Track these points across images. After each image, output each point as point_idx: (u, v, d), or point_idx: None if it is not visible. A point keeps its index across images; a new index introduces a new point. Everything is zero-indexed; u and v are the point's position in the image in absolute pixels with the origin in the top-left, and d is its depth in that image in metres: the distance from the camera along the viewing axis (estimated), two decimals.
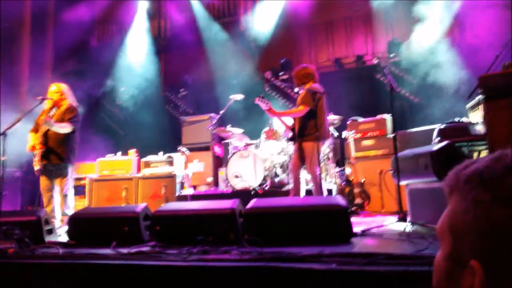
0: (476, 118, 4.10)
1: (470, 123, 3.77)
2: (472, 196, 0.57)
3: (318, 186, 4.46)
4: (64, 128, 4.74)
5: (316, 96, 4.48)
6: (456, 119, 3.99)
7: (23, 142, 4.86)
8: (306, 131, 4.54)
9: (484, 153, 3.74)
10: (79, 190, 6.82)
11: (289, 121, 5.01)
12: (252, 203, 3.02)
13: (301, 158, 4.59)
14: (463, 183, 0.60)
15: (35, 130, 4.83)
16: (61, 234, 3.83)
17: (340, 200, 2.87)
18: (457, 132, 3.69)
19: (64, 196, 4.73)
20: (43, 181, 4.76)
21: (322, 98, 4.55)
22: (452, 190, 0.62)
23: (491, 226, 0.54)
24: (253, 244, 2.51)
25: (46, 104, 4.89)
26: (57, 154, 4.72)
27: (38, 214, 3.38)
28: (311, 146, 4.48)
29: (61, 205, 4.72)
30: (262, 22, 8.95)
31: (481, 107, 3.75)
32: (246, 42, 9.09)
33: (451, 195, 0.62)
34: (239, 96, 6.34)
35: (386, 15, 7.68)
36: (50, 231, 3.45)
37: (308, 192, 5.13)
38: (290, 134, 4.83)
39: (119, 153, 7.33)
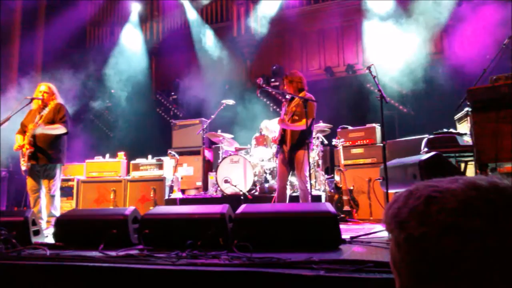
0: (464, 129, 4.18)
1: (458, 134, 3.84)
2: (394, 236, 0.64)
3: (306, 192, 4.49)
4: (58, 129, 4.70)
5: (303, 104, 4.50)
6: (444, 130, 4.06)
7: (9, 142, 4.80)
8: (300, 140, 4.54)
9: (471, 164, 3.81)
10: (67, 191, 6.75)
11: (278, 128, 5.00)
12: (242, 208, 3.02)
13: (289, 166, 4.61)
14: (387, 225, 0.66)
15: (22, 131, 4.77)
16: (48, 235, 3.79)
17: (330, 207, 2.89)
18: (445, 143, 3.75)
19: (51, 197, 4.68)
20: (30, 181, 4.70)
21: (305, 106, 4.58)
22: (387, 229, 0.68)
23: (411, 264, 0.61)
24: (243, 249, 2.51)
25: (34, 105, 4.83)
26: (46, 155, 4.67)
27: (25, 214, 3.34)
28: (303, 153, 4.51)
29: (48, 206, 4.67)
30: (255, 28, 9.00)
31: (468, 118, 3.82)
32: (238, 47, 9.13)
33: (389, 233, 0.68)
34: (231, 101, 6.36)
35: (377, 25, 7.77)
36: (37, 232, 3.41)
37: (293, 199, 5.15)
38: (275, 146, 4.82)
39: (108, 155, 7.27)
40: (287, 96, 4.85)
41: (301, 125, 4.53)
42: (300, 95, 4.60)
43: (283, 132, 4.70)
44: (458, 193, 0.60)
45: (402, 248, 0.62)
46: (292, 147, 4.58)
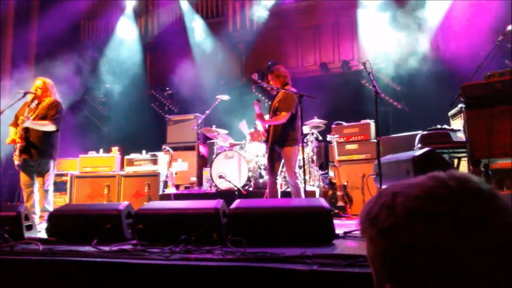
0: (458, 125, 4.20)
1: (451, 130, 3.85)
2: (367, 234, 0.69)
3: (298, 188, 4.51)
4: (47, 126, 4.67)
5: (298, 99, 4.50)
6: (438, 126, 4.08)
7: (3, 136, 4.77)
8: (286, 136, 4.54)
9: (464, 160, 3.83)
10: (60, 186, 6.71)
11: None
12: (236, 203, 3.02)
13: (277, 163, 4.62)
14: (361, 224, 0.71)
15: (15, 123, 4.75)
16: (41, 230, 3.77)
17: (323, 203, 2.90)
18: (439, 139, 3.77)
19: (45, 192, 4.65)
20: (23, 176, 4.67)
21: (299, 101, 4.58)
22: (362, 229, 0.72)
23: (383, 255, 0.65)
24: (237, 244, 2.51)
25: (29, 98, 4.81)
26: (38, 149, 4.64)
27: (17, 209, 3.32)
28: (291, 150, 4.51)
29: (41, 201, 4.65)
30: (250, 23, 8.96)
31: (462, 115, 3.84)
32: (233, 43, 9.10)
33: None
34: (225, 97, 6.35)
35: (373, 22, 7.77)
36: (30, 227, 3.39)
37: (286, 195, 5.17)
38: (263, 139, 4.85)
39: (101, 150, 7.24)
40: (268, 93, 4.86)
41: (279, 119, 4.53)
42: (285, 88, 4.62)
43: (268, 128, 4.72)
44: (420, 184, 0.65)
45: (375, 242, 0.66)
46: (274, 142, 4.58)
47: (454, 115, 4.56)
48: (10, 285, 2.45)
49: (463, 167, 4.06)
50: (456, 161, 4.02)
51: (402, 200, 0.64)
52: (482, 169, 3.29)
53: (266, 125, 4.88)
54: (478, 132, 3.23)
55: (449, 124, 4.51)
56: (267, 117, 4.98)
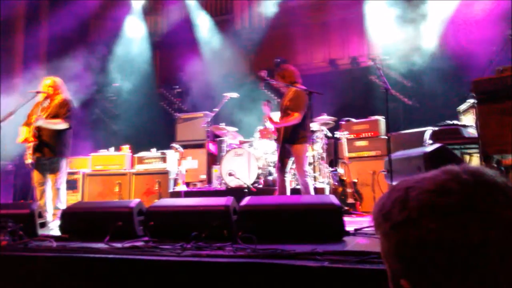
0: (467, 121, 4.15)
1: (462, 126, 3.82)
2: (381, 230, 0.69)
3: (307, 187, 4.51)
4: (59, 125, 4.72)
5: (308, 98, 4.49)
6: (448, 122, 4.04)
7: (16, 135, 4.83)
8: (296, 134, 4.55)
9: (476, 156, 3.79)
10: (72, 184, 6.78)
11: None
12: (246, 200, 3.04)
13: (287, 160, 4.63)
14: (374, 220, 0.71)
15: (28, 123, 4.80)
16: (54, 228, 3.82)
17: (334, 199, 2.90)
18: (449, 135, 3.74)
19: (57, 190, 4.71)
20: (36, 174, 4.73)
21: (309, 98, 4.57)
22: (375, 226, 0.72)
23: (396, 250, 0.65)
24: (247, 241, 2.52)
25: (40, 97, 4.86)
26: (50, 148, 4.70)
27: (31, 207, 3.38)
28: (301, 148, 4.52)
29: (54, 199, 4.70)
30: (258, 20, 8.95)
31: (473, 110, 3.80)
32: (241, 40, 9.09)
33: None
34: (234, 94, 6.36)
35: (381, 17, 7.71)
36: (43, 225, 3.45)
37: (296, 192, 5.18)
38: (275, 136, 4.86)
39: (112, 149, 7.30)
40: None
41: (291, 121, 4.54)
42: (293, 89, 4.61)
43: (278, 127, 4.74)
44: (433, 178, 0.65)
45: (389, 236, 0.66)
46: (285, 140, 4.59)
47: (465, 111, 4.52)
48: (25, 281, 2.49)
49: (475, 163, 4.02)
50: (467, 157, 3.99)
51: (415, 194, 0.64)
52: (494, 165, 3.26)
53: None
54: (490, 127, 3.19)
55: (459, 120, 4.46)
56: (277, 114, 4.99)
